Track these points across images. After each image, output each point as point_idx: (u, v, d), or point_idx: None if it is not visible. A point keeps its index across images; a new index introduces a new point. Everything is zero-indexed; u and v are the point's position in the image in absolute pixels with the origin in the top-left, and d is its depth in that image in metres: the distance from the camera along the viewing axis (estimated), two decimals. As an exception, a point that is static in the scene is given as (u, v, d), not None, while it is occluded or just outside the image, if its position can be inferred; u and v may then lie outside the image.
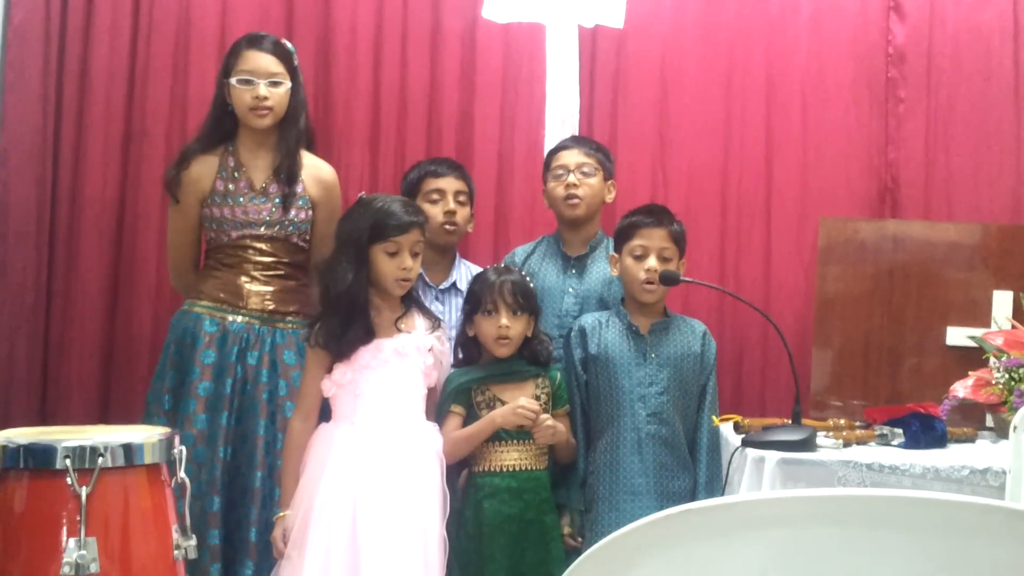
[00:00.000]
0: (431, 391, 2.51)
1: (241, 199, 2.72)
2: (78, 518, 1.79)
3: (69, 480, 1.81)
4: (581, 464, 2.62)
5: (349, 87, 3.30)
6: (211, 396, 2.62)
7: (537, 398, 2.52)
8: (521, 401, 2.46)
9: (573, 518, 2.59)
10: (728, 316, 3.25)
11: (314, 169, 2.79)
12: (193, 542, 1.97)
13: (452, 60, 3.32)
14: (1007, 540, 0.93)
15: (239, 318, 2.69)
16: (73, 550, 1.78)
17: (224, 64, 2.75)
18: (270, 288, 2.73)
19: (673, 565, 0.98)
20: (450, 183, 2.84)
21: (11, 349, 3.21)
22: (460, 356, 2.60)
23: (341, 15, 3.31)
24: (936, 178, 3.29)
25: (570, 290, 2.81)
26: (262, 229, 2.73)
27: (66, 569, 1.77)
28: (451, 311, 2.85)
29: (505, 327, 2.50)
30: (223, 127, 2.76)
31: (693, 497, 2.54)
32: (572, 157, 2.80)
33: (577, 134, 3.11)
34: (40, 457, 1.84)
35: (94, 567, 1.79)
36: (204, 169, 2.74)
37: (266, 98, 2.68)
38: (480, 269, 2.78)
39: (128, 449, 1.88)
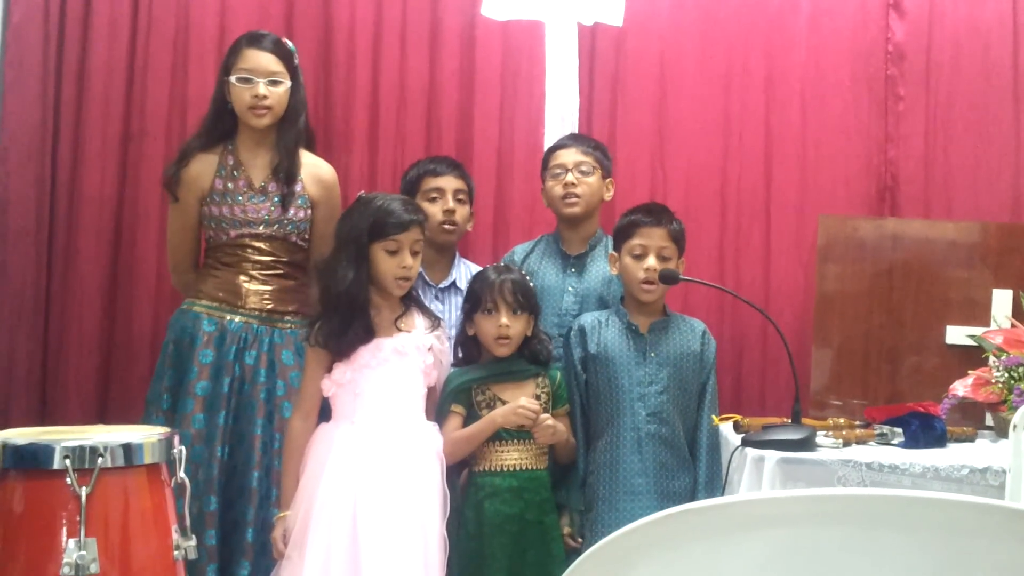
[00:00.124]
0: (431, 390, 2.51)
1: (240, 198, 2.72)
2: (78, 518, 1.79)
3: (69, 480, 1.81)
4: (581, 464, 2.61)
5: (348, 85, 3.30)
6: (209, 395, 2.62)
7: (537, 397, 2.52)
8: (522, 401, 2.46)
9: (573, 518, 2.59)
10: (728, 315, 3.25)
11: (313, 168, 2.79)
12: (193, 542, 1.97)
13: (451, 58, 3.32)
14: (1007, 540, 0.93)
15: (237, 317, 2.69)
16: (73, 551, 1.78)
17: (224, 62, 2.75)
18: (269, 287, 2.73)
19: (673, 565, 0.98)
20: (449, 182, 2.84)
21: (10, 349, 3.21)
22: (460, 355, 2.60)
23: (340, 13, 3.30)
24: (935, 176, 3.29)
25: (570, 289, 2.80)
26: (261, 228, 2.72)
27: (66, 570, 1.77)
28: (451, 310, 2.85)
29: (505, 326, 2.50)
30: (223, 125, 2.76)
31: (693, 497, 2.54)
32: (570, 156, 2.80)
33: (576, 132, 3.11)
34: (39, 457, 1.83)
35: (94, 567, 1.79)
36: (203, 167, 2.74)
37: (265, 97, 2.67)
38: (480, 268, 2.77)
39: (128, 449, 1.88)
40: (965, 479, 2.26)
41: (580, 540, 2.56)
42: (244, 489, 2.59)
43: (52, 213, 3.24)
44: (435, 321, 2.54)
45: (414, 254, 2.46)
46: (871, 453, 2.36)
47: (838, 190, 3.29)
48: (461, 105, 3.32)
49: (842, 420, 2.62)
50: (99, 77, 3.24)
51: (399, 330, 2.46)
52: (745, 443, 2.39)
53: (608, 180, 2.85)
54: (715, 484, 2.56)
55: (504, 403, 2.48)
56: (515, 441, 2.49)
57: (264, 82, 2.68)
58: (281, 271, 2.75)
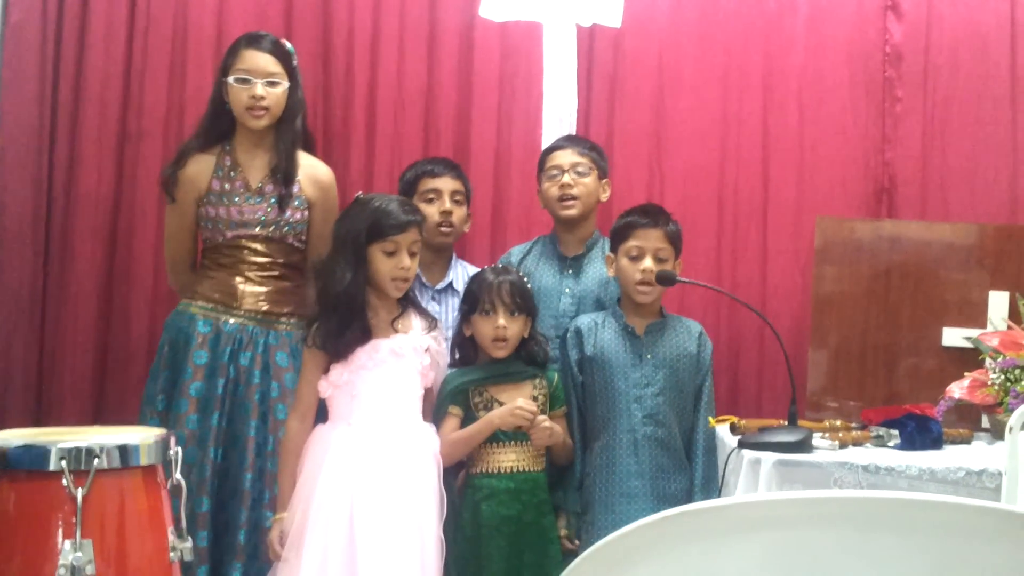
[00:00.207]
0: (428, 392, 2.51)
1: (237, 199, 2.72)
2: (74, 520, 1.79)
3: (65, 482, 1.81)
4: (578, 466, 2.61)
5: (346, 86, 3.30)
6: (202, 397, 2.62)
7: (534, 399, 2.52)
8: (519, 402, 2.46)
9: (570, 520, 2.58)
10: (724, 316, 3.25)
11: (310, 169, 2.79)
12: (189, 544, 1.97)
13: (449, 59, 3.32)
14: (1002, 542, 0.93)
15: (233, 319, 2.69)
16: (69, 552, 1.78)
17: (223, 63, 2.74)
18: (265, 289, 2.73)
19: (669, 567, 0.98)
20: (446, 183, 2.84)
21: (6, 349, 3.20)
22: (457, 356, 2.60)
23: (338, 14, 3.30)
24: (933, 178, 3.29)
25: (567, 290, 2.80)
26: (257, 229, 2.72)
27: (62, 571, 1.77)
28: (448, 311, 2.85)
29: (502, 328, 2.50)
30: (220, 126, 2.76)
31: (689, 499, 2.54)
32: (566, 157, 2.80)
33: (573, 133, 3.11)
34: (35, 459, 1.83)
35: (90, 569, 1.79)
36: (201, 168, 2.74)
37: (263, 98, 2.67)
38: (477, 269, 2.77)
39: (124, 450, 1.88)
40: (961, 481, 2.26)
41: (577, 542, 2.56)
42: (236, 491, 2.59)
43: (49, 213, 3.23)
44: (432, 322, 2.54)
45: (412, 255, 2.46)
46: (867, 455, 2.36)
47: (835, 192, 3.29)
48: (459, 106, 3.32)
49: (839, 422, 2.62)
50: (96, 77, 3.23)
51: (396, 331, 2.46)
52: (741, 445, 2.39)
53: (604, 181, 2.85)
54: (711, 486, 2.55)
55: (501, 405, 2.48)
56: (512, 443, 2.49)
57: (262, 83, 2.68)
58: (277, 272, 2.75)
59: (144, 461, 1.91)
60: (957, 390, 2.63)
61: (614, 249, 2.66)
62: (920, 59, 3.30)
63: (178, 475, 1.98)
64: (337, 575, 2.26)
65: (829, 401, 2.96)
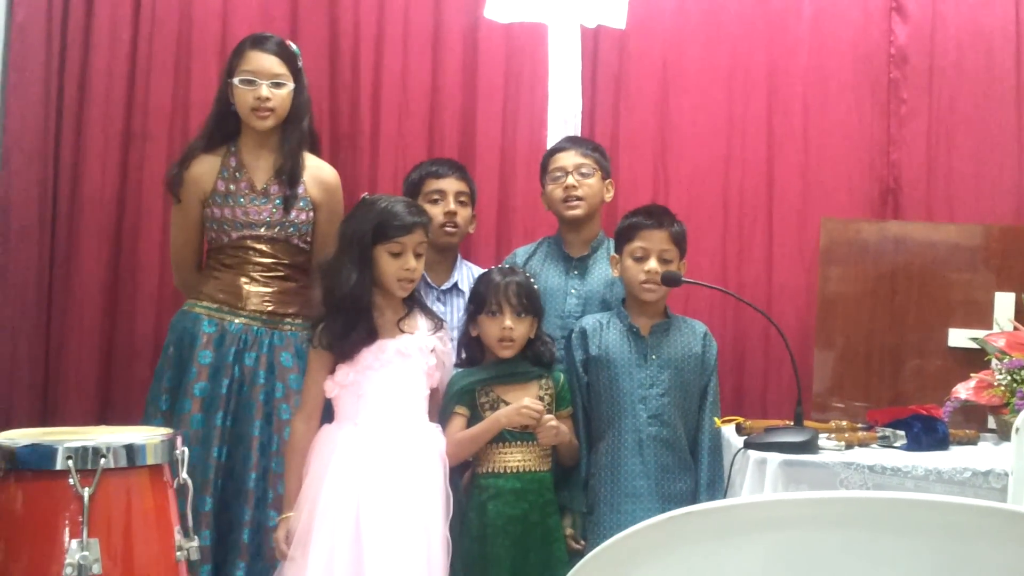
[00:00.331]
0: (434, 392, 2.51)
1: (242, 200, 2.73)
2: (80, 519, 1.80)
3: (71, 481, 1.81)
4: (583, 466, 2.61)
5: (352, 88, 3.31)
6: (207, 396, 2.62)
7: (540, 399, 2.52)
8: (525, 401, 2.46)
9: (575, 520, 2.59)
10: (730, 317, 3.25)
11: (315, 170, 2.79)
12: (195, 543, 1.97)
13: (454, 60, 3.32)
14: (1009, 543, 0.93)
15: (238, 319, 2.69)
16: (75, 551, 1.78)
17: (228, 64, 2.75)
18: (270, 289, 2.73)
19: (675, 568, 0.98)
20: (451, 184, 2.84)
21: (12, 349, 3.21)
22: (463, 356, 2.60)
23: (343, 16, 3.31)
24: (938, 179, 3.29)
25: (572, 291, 2.81)
26: (262, 230, 2.73)
27: (68, 570, 1.77)
28: (453, 312, 2.85)
29: (509, 329, 2.50)
30: (225, 127, 2.76)
31: (694, 499, 2.54)
32: (570, 158, 2.80)
33: (578, 135, 3.11)
34: (42, 458, 1.84)
35: (96, 568, 1.79)
36: (206, 169, 2.74)
37: (268, 99, 2.68)
38: (482, 270, 2.77)
39: (130, 450, 1.88)
40: (967, 482, 2.26)
41: (583, 542, 2.56)
42: (241, 490, 2.59)
43: (54, 214, 3.24)
44: (438, 322, 2.55)
45: (417, 256, 2.46)
46: (873, 456, 2.35)
47: (840, 192, 3.29)
48: (464, 107, 3.32)
49: (844, 422, 2.62)
50: (101, 78, 3.24)
51: (402, 331, 2.46)
52: (747, 445, 2.39)
53: (608, 181, 2.85)
54: (716, 486, 2.55)
55: (508, 404, 2.48)
56: (519, 443, 2.49)
57: (267, 84, 2.68)
58: (282, 273, 2.75)
59: (151, 461, 1.91)
60: (963, 391, 2.63)
61: (619, 250, 2.66)
62: (925, 60, 3.29)
63: (184, 474, 1.99)
64: (343, 574, 2.26)
65: (835, 402, 2.96)
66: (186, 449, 2.02)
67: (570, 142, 2.91)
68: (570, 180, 2.77)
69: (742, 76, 3.32)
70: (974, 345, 2.84)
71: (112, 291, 3.25)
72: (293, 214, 2.74)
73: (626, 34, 3.27)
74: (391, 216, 2.44)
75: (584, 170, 2.79)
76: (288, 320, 2.74)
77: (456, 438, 2.47)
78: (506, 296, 2.51)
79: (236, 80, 2.69)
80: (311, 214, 2.76)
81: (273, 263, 2.74)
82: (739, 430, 2.56)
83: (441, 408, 2.52)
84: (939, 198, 3.28)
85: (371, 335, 2.41)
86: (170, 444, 1.98)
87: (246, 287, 2.72)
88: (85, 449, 1.84)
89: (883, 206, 3.30)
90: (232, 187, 2.73)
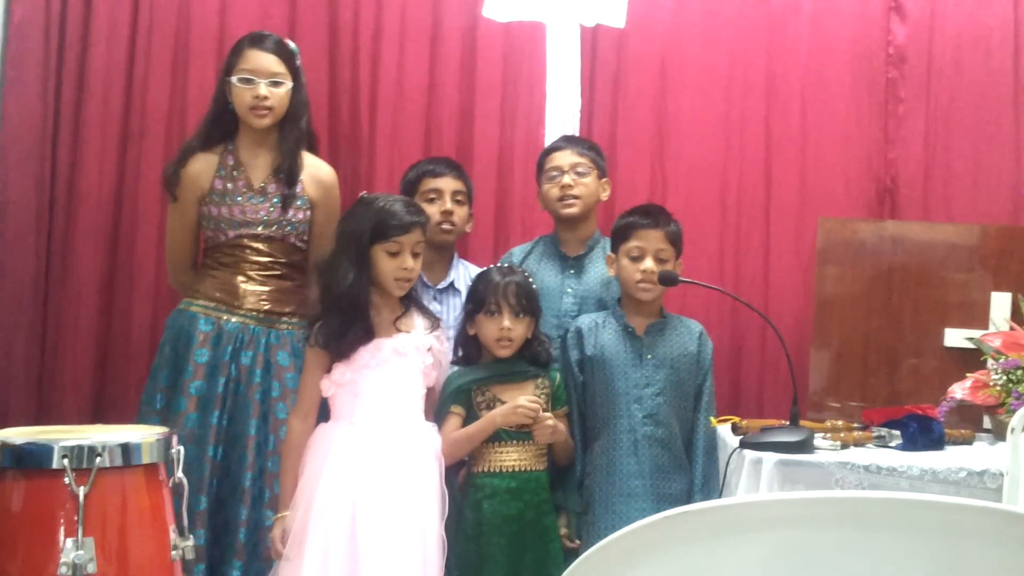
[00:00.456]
0: (430, 391, 2.51)
1: (239, 198, 2.72)
2: (75, 518, 1.79)
3: (67, 480, 1.81)
4: (578, 466, 2.61)
5: (350, 87, 3.30)
6: (203, 395, 2.62)
7: (536, 399, 2.52)
8: (521, 400, 2.46)
9: (570, 520, 2.59)
10: (727, 316, 3.25)
11: (313, 169, 2.79)
12: (191, 542, 1.97)
13: (452, 59, 3.32)
14: (1004, 542, 0.93)
15: (234, 318, 2.69)
16: (70, 550, 1.78)
17: (226, 62, 2.74)
18: (267, 288, 2.73)
19: (670, 567, 0.98)
20: (448, 183, 2.84)
21: (8, 348, 3.20)
22: (460, 354, 2.60)
23: (341, 14, 3.31)
24: (935, 179, 3.29)
25: (569, 290, 2.80)
26: (260, 229, 2.72)
27: (63, 569, 1.77)
28: (449, 311, 2.85)
29: (507, 329, 2.50)
30: (223, 125, 2.76)
31: (689, 499, 2.54)
32: (566, 158, 2.80)
33: (576, 134, 3.11)
34: (37, 457, 1.84)
35: (91, 567, 1.79)
36: (203, 167, 2.74)
37: (266, 98, 2.67)
38: (479, 269, 2.77)
39: (126, 449, 1.88)
40: (963, 482, 2.26)
41: (578, 541, 2.56)
42: (237, 489, 2.59)
43: (51, 212, 3.23)
44: (435, 322, 2.55)
45: (415, 256, 2.46)
46: (869, 455, 2.35)
47: (838, 192, 3.29)
48: (462, 106, 3.32)
49: (840, 422, 2.62)
50: (99, 76, 3.24)
51: (398, 331, 2.46)
52: (743, 445, 2.39)
53: (604, 180, 2.85)
54: (711, 486, 2.55)
55: (504, 404, 2.48)
56: (514, 442, 2.49)
57: (265, 83, 2.68)
58: (279, 272, 2.75)
59: (146, 460, 1.91)
60: (959, 391, 2.63)
61: (615, 249, 2.66)
62: (923, 60, 3.30)
63: (180, 473, 1.99)
64: (339, 574, 2.26)
65: (831, 401, 2.96)
66: (181, 448, 2.02)
67: (566, 141, 2.91)
68: (566, 179, 2.77)
69: (740, 76, 3.32)
70: (970, 345, 2.84)
71: (108, 289, 3.25)
72: (290, 213, 2.73)
73: (625, 33, 3.27)
74: (389, 215, 2.44)
75: (580, 169, 2.79)
76: (285, 319, 2.73)
77: (452, 437, 2.47)
78: (505, 296, 2.50)
79: (234, 79, 2.68)
80: (308, 213, 2.76)
81: (270, 262, 2.74)
82: (735, 430, 2.56)
83: (437, 407, 2.52)
84: (936, 198, 3.28)
85: (368, 334, 2.41)
86: (166, 443, 1.98)
87: (243, 286, 2.72)
88: (81, 448, 1.84)
89: (880, 206, 3.30)
90: (229, 186, 2.73)
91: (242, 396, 2.64)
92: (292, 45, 2.78)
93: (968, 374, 2.69)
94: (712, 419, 2.62)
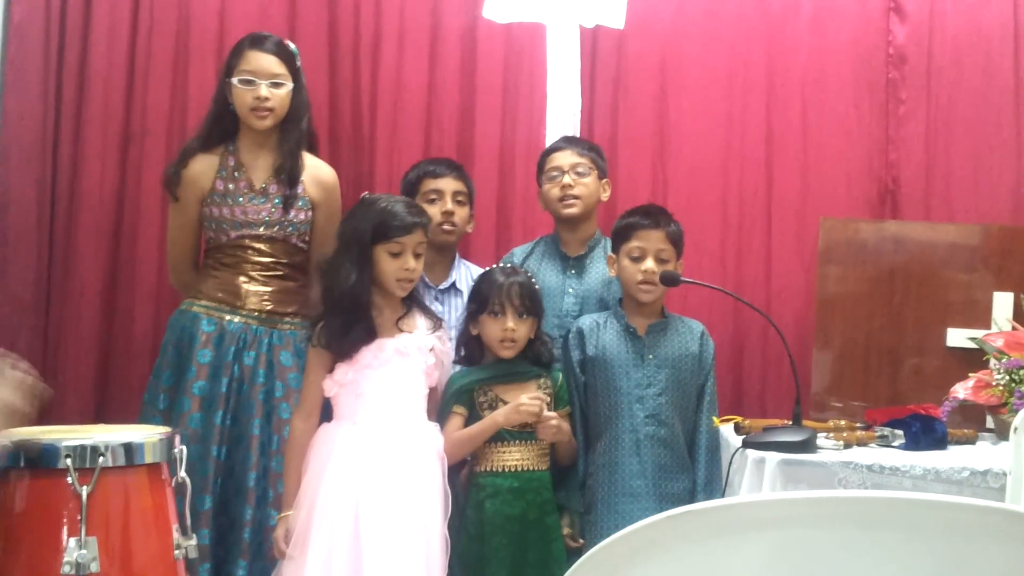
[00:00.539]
0: (432, 391, 2.51)
1: (241, 199, 2.72)
2: (79, 517, 1.80)
3: (70, 479, 1.81)
4: (580, 465, 2.61)
5: (349, 87, 3.30)
6: (206, 395, 2.62)
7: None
8: (523, 398, 2.45)
9: (573, 519, 2.59)
10: (729, 316, 3.25)
11: (314, 170, 2.79)
12: (193, 542, 1.98)
13: (452, 60, 3.32)
14: (1007, 542, 0.93)
15: (237, 318, 2.69)
16: (74, 549, 1.78)
17: (226, 63, 2.74)
18: (269, 288, 2.73)
19: (673, 567, 0.98)
20: (448, 183, 2.84)
21: (11, 348, 3.19)
22: (462, 354, 2.60)
23: (341, 15, 3.31)
24: (936, 179, 3.29)
25: (570, 290, 2.81)
26: (261, 229, 2.73)
27: (67, 568, 1.77)
28: (450, 311, 2.85)
29: (511, 330, 2.50)
30: (223, 126, 2.76)
31: (692, 498, 2.54)
32: (566, 158, 2.80)
33: (576, 135, 3.11)
34: (41, 456, 1.84)
35: (95, 566, 1.79)
36: (204, 168, 2.74)
37: (267, 99, 2.68)
38: (480, 269, 2.77)
39: (129, 448, 1.89)
40: (965, 481, 2.26)
41: (582, 540, 2.56)
42: (241, 489, 2.59)
43: (52, 212, 3.24)
44: (437, 322, 2.55)
45: (417, 256, 2.46)
46: (872, 455, 2.35)
47: (839, 192, 3.29)
48: (463, 107, 3.32)
49: (843, 422, 2.62)
50: (100, 77, 3.24)
51: (401, 331, 2.46)
52: (746, 445, 2.39)
53: (604, 181, 2.86)
54: (714, 486, 2.55)
55: (506, 404, 2.48)
56: (517, 442, 2.49)
57: (266, 84, 2.68)
58: (281, 272, 2.75)
59: (149, 459, 1.91)
60: (961, 390, 2.63)
61: (615, 250, 2.66)
62: (923, 60, 3.30)
63: (183, 473, 1.99)
64: (342, 573, 2.26)
65: (833, 401, 2.96)
66: (184, 448, 2.02)
67: (566, 142, 2.91)
68: (566, 179, 2.78)
69: (741, 76, 3.32)
70: (972, 345, 2.84)
71: (110, 289, 3.25)
72: (292, 213, 2.74)
73: (625, 34, 3.27)
74: (391, 216, 2.44)
75: (580, 169, 2.79)
76: (287, 319, 2.74)
77: (454, 437, 2.47)
78: (509, 297, 2.50)
79: (235, 80, 2.69)
80: (310, 213, 2.76)
81: (272, 262, 2.74)
82: (737, 429, 2.56)
83: (440, 407, 2.52)
84: (937, 198, 3.28)
85: (370, 334, 2.42)
86: (168, 443, 1.98)
87: (245, 286, 2.72)
88: (84, 447, 1.84)
89: (881, 206, 3.30)
90: (231, 186, 2.73)
91: (245, 396, 2.64)
92: (292, 46, 2.78)
93: (970, 374, 2.68)
94: (715, 419, 2.62)
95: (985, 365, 2.70)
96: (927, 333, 2.96)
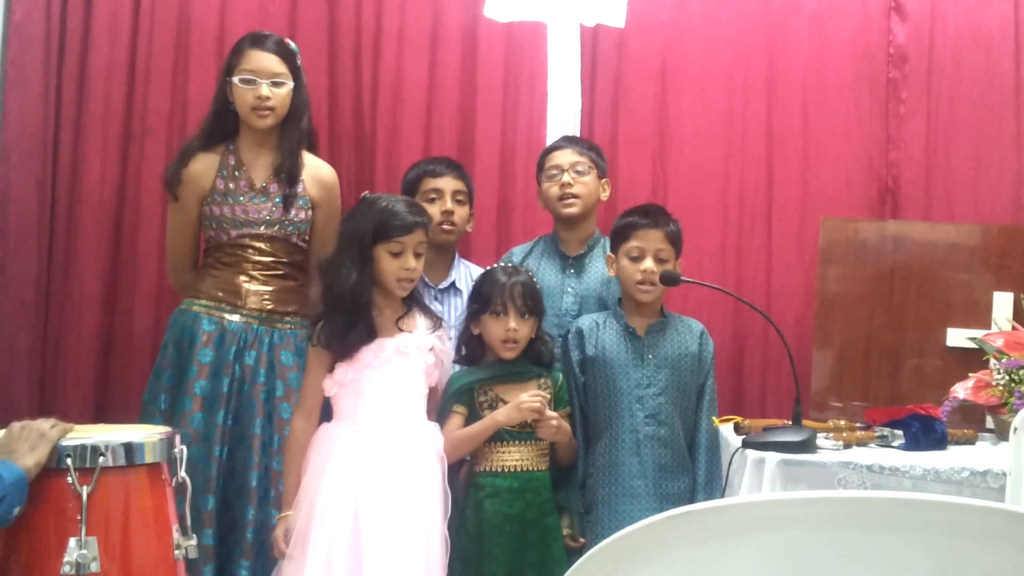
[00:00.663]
0: (432, 391, 2.51)
1: (241, 198, 2.72)
2: (79, 517, 1.80)
3: (70, 479, 1.81)
4: (580, 466, 2.61)
5: (349, 86, 3.30)
6: (208, 395, 2.62)
7: (538, 399, 2.52)
8: (523, 397, 2.45)
9: (573, 520, 2.59)
10: (729, 316, 3.25)
11: (314, 169, 2.79)
12: (193, 542, 1.97)
13: (453, 59, 3.32)
14: (1007, 542, 0.93)
15: (237, 317, 2.69)
16: (74, 549, 1.78)
17: (227, 62, 2.74)
18: (269, 288, 2.73)
19: (673, 567, 0.98)
20: (448, 183, 2.84)
21: (11, 347, 3.21)
22: (463, 353, 2.60)
23: (342, 14, 3.31)
24: (937, 179, 3.29)
25: (569, 290, 2.81)
26: (262, 228, 2.73)
27: (67, 568, 1.77)
28: (450, 311, 2.85)
29: (513, 330, 2.50)
30: (224, 125, 2.76)
31: (692, 498, 2.54)
32: (565, 157, 2.80)
33: (577, 134, 3.11)
34: (41, 456, 1.83)
35: (94, 566, 1.79)
36: (204, 167, 2.74)
37: (268, 98, 2.68)
38: (480, 269, 2.77)
39: (129, 448, 1.88)
40: (965, 481, 2.26)
41: (583, 540, 2.56)
42: (243, 489, 2.60)
43: (53, 212, 3.24)
44: (437, 321, 2.55)
45: (417, 256, 2.46)
46: (872, 455, 2.36)
47: (839, 192, 3.29)
48: (463, 106, 3.32)
49: (843, 422, 2.62)
50: (100, 76, 3.24)
51: (401, 330, 2.46)
52: (745, 445, 2.39)
53: (604, 180, 2.86)
54: (714, 485, 2.55)
55: (506, 404, 2.48)
56: (516, 442, 2.49)
57: (267, 83, 2.68)
58: (281, 272, 2.75)
59: (149, 459, 1.91)
60: (961, 390, 2.63)
61: (614, 249, 2.66)
62: (924, 60, 3.30)
63: (183, 473, 1.99)
64: (342, 573, 2.26)
65: (833, 401, 2.96)
66: (184, 447, 2.02)
67: (566, 141, 2.91)
68: (566, 178, 2.78)
69: (741, 75, 3.32)
70: (972, 345, 2.84)
71: (111, 289, 3.25)
72: (292, 212, 2.74)
73: (625, 33, 3.27)
74: (392, 215, 2.44)
75: (580, 168, 2.79)
76: (288, 319, 2.74)
77: (453, 436, 2.47)
78: (511, 297, 2.50)
79: (236, 79, 2.68)
80: (310, 212, 2.76)
81: (272, 261, 2.74)
82: (737, 429, 2.56)
83: (440, 407, 2.52)
84: (938, 198, 3.28)
85: (370, 334, 2.42)
86: (168, 442, 1.98)
87: (245, 285, 2.72)
88: (84, 447, 1.84)
89: (882, 205, 3.30)
90: (231, 185, 2.73)
91: (246, 396, 2.64)
92: (293, 45, 2.78)
93: (970, 374, 2.68)
94: (714, 419, 2.62)
95: (985, 365, 2.70)
96: (927, 333, 2.95)
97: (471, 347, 2.59)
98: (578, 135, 3.09)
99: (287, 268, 2.76)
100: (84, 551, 1.78)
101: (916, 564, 0.95)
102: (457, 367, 2.61)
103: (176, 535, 1.94)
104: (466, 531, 2.46)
